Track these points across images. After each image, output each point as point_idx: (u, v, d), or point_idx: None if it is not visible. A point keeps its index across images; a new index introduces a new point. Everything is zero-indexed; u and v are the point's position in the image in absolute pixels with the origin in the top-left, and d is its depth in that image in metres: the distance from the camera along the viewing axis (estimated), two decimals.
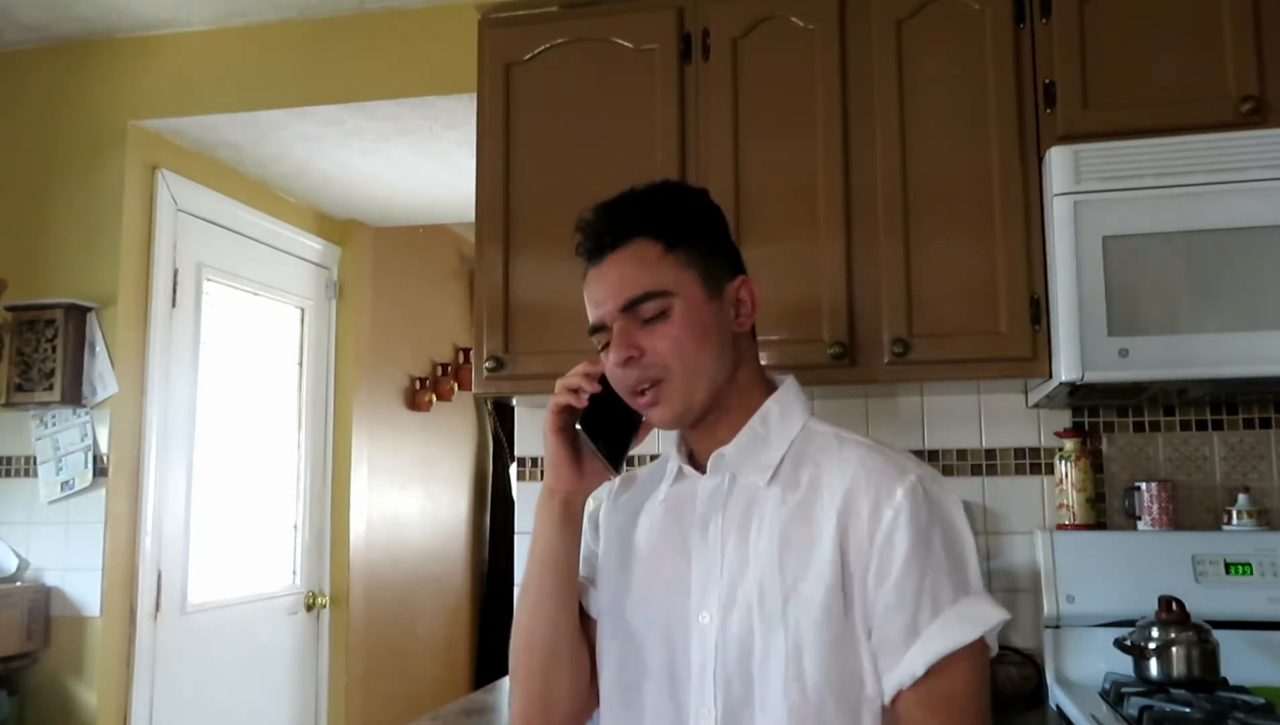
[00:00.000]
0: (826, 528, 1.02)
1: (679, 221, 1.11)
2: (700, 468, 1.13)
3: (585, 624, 1.18)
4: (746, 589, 1.04)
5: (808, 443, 1.10)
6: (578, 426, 1.12)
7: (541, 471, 2.35)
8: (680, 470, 1.16)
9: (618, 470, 1.15)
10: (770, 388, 1.15)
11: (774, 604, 1.02)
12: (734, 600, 1.04)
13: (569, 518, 1.16)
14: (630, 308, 1.07)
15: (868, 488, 1.02)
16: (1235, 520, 1.96)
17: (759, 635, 1.02)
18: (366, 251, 3.68)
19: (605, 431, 1.13)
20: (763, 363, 1.20)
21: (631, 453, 1.19)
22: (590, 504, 1.21)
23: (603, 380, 1.12)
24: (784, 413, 1.12)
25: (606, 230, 1.10)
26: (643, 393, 1.08)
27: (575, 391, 1.13)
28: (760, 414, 1.11)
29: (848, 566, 1.01)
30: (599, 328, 1.11)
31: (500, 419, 4.67)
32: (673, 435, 1.20)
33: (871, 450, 1.06)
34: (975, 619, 0.99)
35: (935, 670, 0.97)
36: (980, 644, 1.00)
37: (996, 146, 1.87)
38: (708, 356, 1.08)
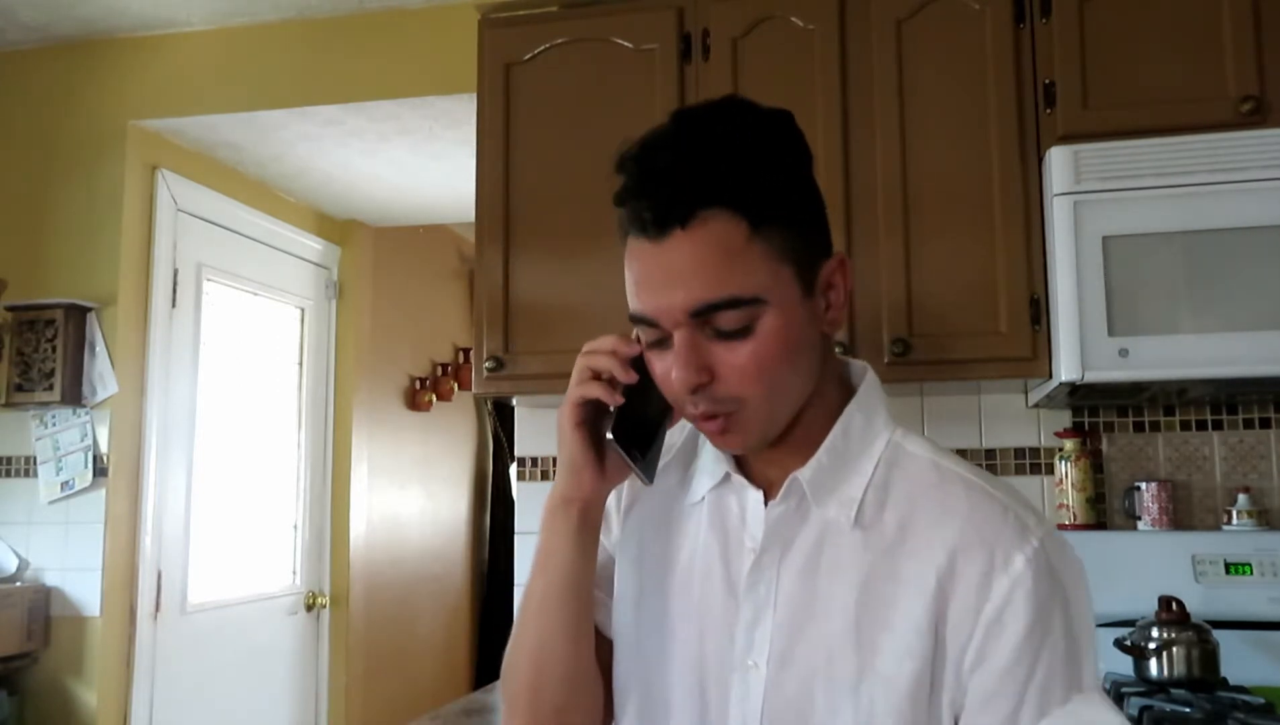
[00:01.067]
0: (920, 590, 0.81)
1: (772, 184, 0.80)
2: (751, 476, 0.90)
3: (599, 642, 0.96)
4: (810, 646, 0.83)
5: (896, 468, 0.87)
6: (609, 436, 0.87)
7: (542, 472, 2.35)
8: (728, 476, 0.91)
9: (652, 480, 0.91)
10: (846, 383, 0.91)
11: (846, 674, 0.81)
12: (792, 656, 0.83)
13: (588, 528, 0.91)
14: (704, 314, 0.79)
15: (980, 548, 0.80)
16: (1235, 520, 1.96)
17: (820, 703, 0.81)
18: (366, 251, 3.68)
19: (636, 434, 0.89)
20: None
21: None
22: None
23: (636, 365, 0.87)
24: (869, 423, 0.88)
25: (674, 195, 0.78)
26: (709, 418, 0.84)
27: (608, 383, 0.87)
28: (841, 425, 0.87)
29: (943, 642, 0.80)
30: (646, 321, 0.82)
31: (500, 419, 4.67)
32: None
33: (984, 495, 0.83)
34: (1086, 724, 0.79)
35: None
36: None
37: (996, 146, 1.87)
38: (798, 376, 0.84)
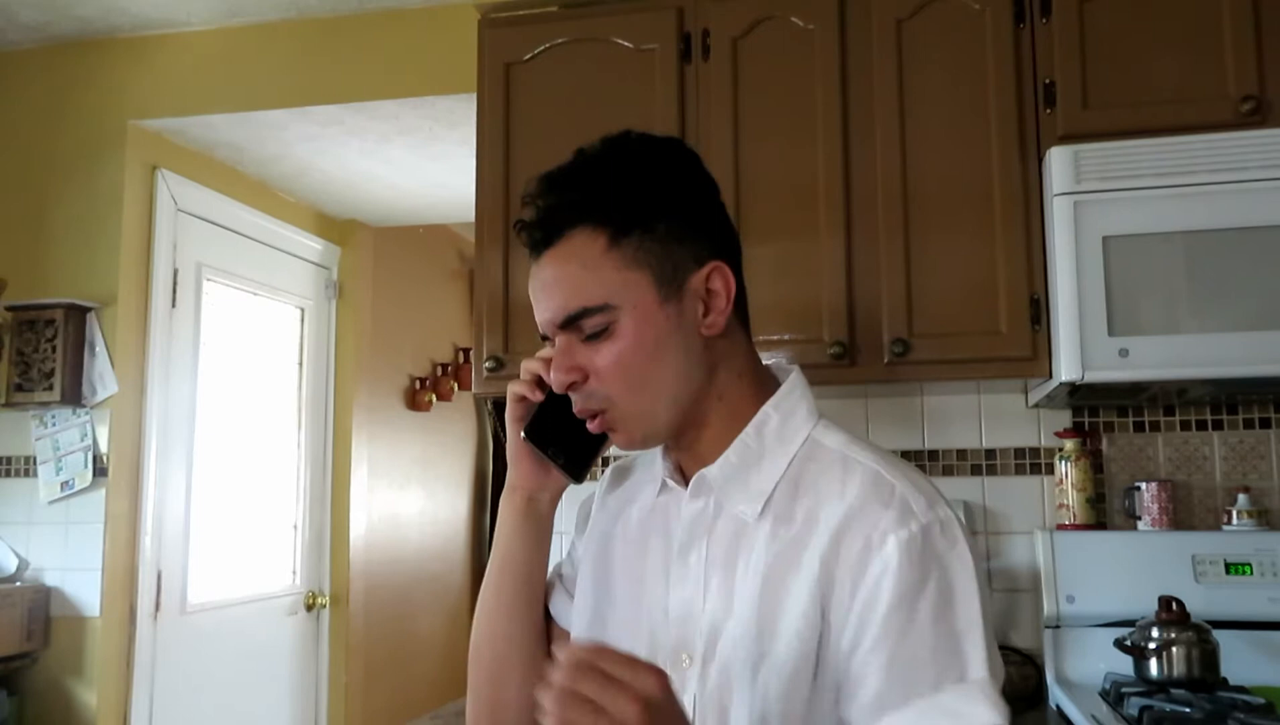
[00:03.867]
0: (809, 574, 0.83)
1: (630, 200, 0.89)
2: (686, 481, 0.94)
3: (551, 627, 1.03)
4: (726, 641, 0.86)
5: (810, 461, 0.90)
6: (521, 433, 0.96)
7: None
8: (665, 481, 0.97)
9: (578, 478, 0.98)
10: (768, 388, 0.94)
11: (747, 663, 0.84)
12: (714, 652, 0.87)
13: (531, 517, 0.99)
14: (568, 324, 0.89)
15: (860, 530, 0.83)
16: (1235, 520, 1.96)
17: (736, 696, 0.85)
18: (366, 251, 3.68)
19: (562, 435, 0.96)
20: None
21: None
22: (585, 497, 1.09)
23: None
24: (784, 421, 0.92)
25: (544, 220, 0.90)
26: (593, 417, 0.91)
27: (532, 383, 0.96)
28: (754, 424, 0.91)
29: (828, 624, 0.82)
30: (543, 333, 0.94)
31: (500, 419, 4.64)
32: None
33: (878, 480, 0.86)
34: (958, 716, 0.77)
35: None
36: None
37: (996, 146, 1.87)
38: (664, 375, 0.89)
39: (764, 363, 0.98)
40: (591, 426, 0.92)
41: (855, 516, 0.84)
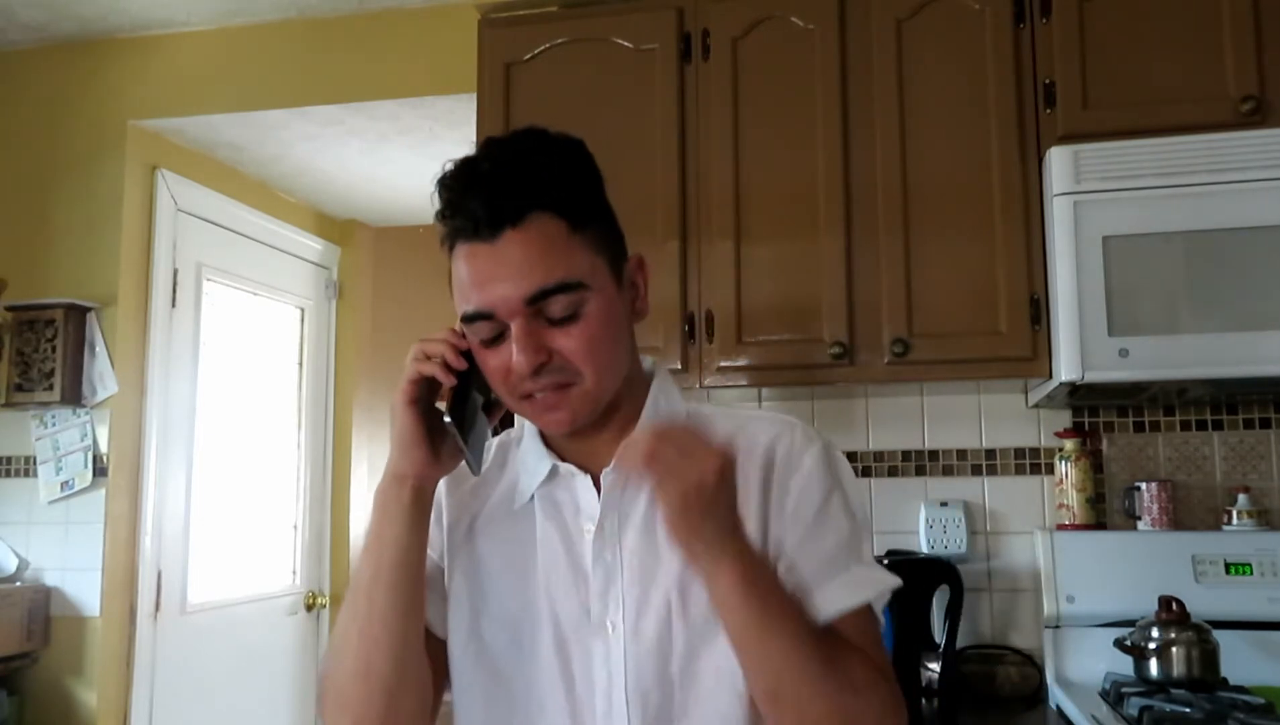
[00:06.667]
0: (752, 506, 0.94)
1: (581, 193, 0.93)
2: (580, 466, 0.98)
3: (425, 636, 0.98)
4: (661, 592, 0.93)
5: (703, 429, 0.96)
6: (446, 419, 0.91)
7: None
8: (555, 469, 0.98)
9: (479, 470, 0.96)
10: (646, 375, 1.03)
11: (700, 609, 0.91)
12: (647, 602, 0.93)
13: (419, 508, 0.94)
14: (539, 300, 0.88)
15: (782, 455, 0.96)
16: (1235, 520, 1.96)
17: (680, 639, 0.92)
18: (366, 251, 3.68)
19: (470, 422, 0.93)
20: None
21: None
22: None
23: (468, 357, 0.93)
24: (669, 401, 1.01)
25: (504, 199, 0.88)
26: (536, 397, 0.92)
27: (443, 366, 0.92)
28: (651, 404, 1.00)
29: (773, 536, 0.94)
30: (482, 316, 0.90)
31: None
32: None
33: (774, 419, 1.00)
34: (870, 582, 0.94)
35: (838, 623, 0.91)
36: (870, 608, 0.94)
37: (996, 146, 1.87)
38: (621, 356, 0.95)
39: None
40: (534, 405, 0.93)
41: (776, 446, 0.97)
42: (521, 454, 1.02)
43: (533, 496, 1.00)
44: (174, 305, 2.80)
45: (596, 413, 0.95)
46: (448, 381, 0.92)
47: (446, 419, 0.91)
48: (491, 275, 0.88)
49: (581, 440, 0.98)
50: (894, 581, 0.96)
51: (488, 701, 0.97)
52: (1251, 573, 1.88)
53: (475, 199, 0.89)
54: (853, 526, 0.96)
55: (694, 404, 1.04)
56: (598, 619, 0.94)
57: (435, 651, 0.99)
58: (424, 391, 0.93)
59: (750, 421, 1.00)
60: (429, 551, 0.99)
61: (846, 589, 0.92)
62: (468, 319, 0.91)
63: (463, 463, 0.95)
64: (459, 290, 0.92)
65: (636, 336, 1.01)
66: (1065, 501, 2.03)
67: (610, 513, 0.96)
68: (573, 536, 0.97)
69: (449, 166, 0.92)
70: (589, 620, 0.94)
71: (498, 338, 0.90)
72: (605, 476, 0.97)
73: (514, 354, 0.89)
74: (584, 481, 0.98)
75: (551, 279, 0.88)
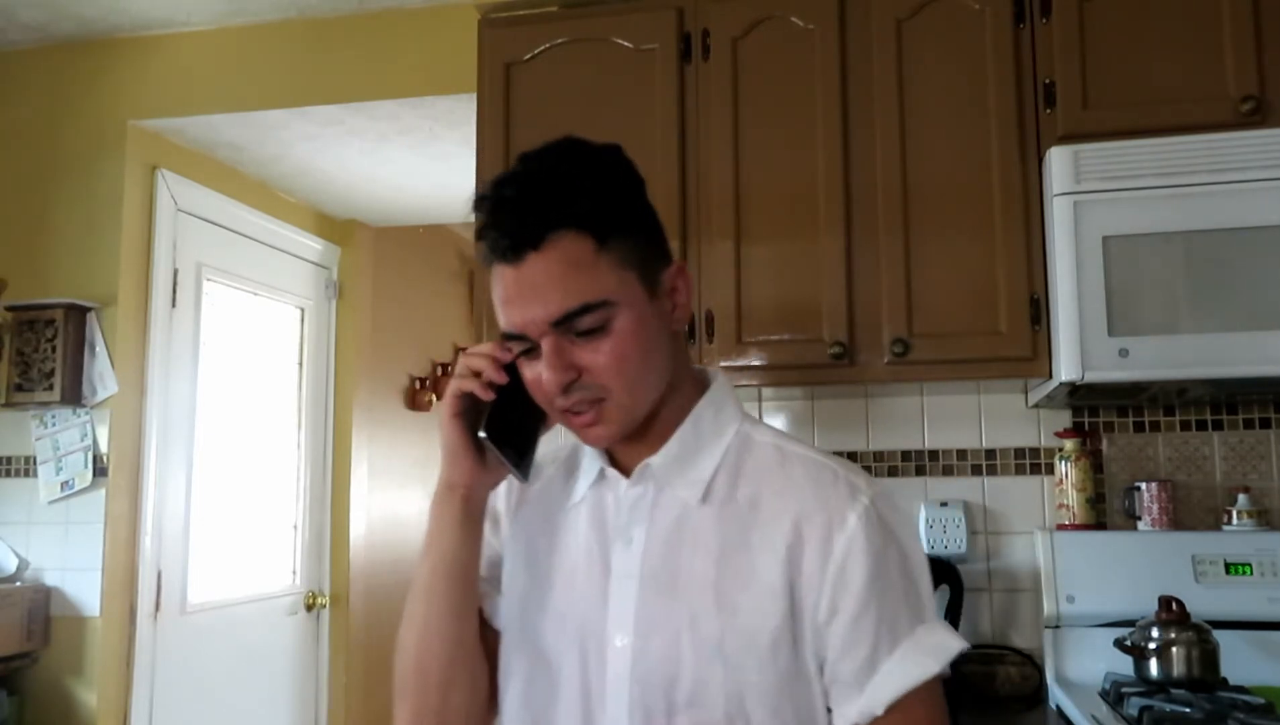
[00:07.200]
0: (772, 557, 0.92)
1: (611, 206, 0.93)
2: (624, 471, 1.00)
3: (484, 632, 1.03)
4: (673, 613, 0.93)
5: (745, 453, 0.99)
6: (481, 433, 0.95)
7: None
8: (602, 472, 1.02)
9: (526, 477, 1.01)
10: (702, 386, 1.02)
11: (710, 635, 0.91)
12: (657, 622, 0.93)
13: (470, 516, 1.00)
14: (564, 322, 0.90)
15: (819, 512, 0.92)
16: (1235, 520, 1.96)
17: (688, 663, 0.91)
18: (366, 251, 3.68)
19: (512, 434, 0.97)
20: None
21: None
22: (489, 496, 1.06)
23: (510, 369, 0.96)
24: (718, 416, 1.00)
25: (524, 223, 0.90)
26: (578, 413, 0.94)
27: (483, 382, 0.96)
28: (692, 418, 0.99)
29: (799, 601, 0.91)
30: (516, 335, 0.93)
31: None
32: None
33: (819, 467, 0.96)
34: (935, 649, 0.91)
35: (896, 708, 0.89)
36: (938, 677, 0.91)
37: (996, 146, 1.87)
38: (652, 369, 0.94)
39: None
40: (575, 422, 0.94)
41: (810, 501, 0.93)
42: (585, 454, 1.05)
43: (583, 497, 1.03)
44: (174, 305, 2.80)
45: (633, 425, 0.96)
46: (485, 396, 0.96)
47: (481, 434, 0.95)
48: (517, 297, 0.91)
49: (629, 445, 0.99)
50: (959, 645, 0.92)
51: (526, 688, 1.00)
52: (1251, 573, 1.88)
53: (499, 223, 0.91)
54: (910, 585, 0.92)
55: (749, 424, 1.01)
56: (612, 627, 0.95)
57: (495, 645, 1.03)
58: (469, 404, 0.98)
59: (796, 462, 0.97)
60: (496, 544, 1.07)
61: (909, 661, 0.90)
62: (505, 336, 0.95)
63: (514, 469, 0.99)
64: (496, 306, 0.94)
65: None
66: (1065, 501, 2.03)
67: (633, 524, 0.97)
68: (608, 540, 0.99)
69: (482, 186, 0.95)
70: (605, 625, 0.95)
71: (533, 350, 0.93)
72: (626, 492, 0.98)
73: (544, 372, 0.91)
74: (624, 485, 1.00)
75: (575, 302, 0.89)
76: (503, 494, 1.09)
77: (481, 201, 0.93)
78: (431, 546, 1.01)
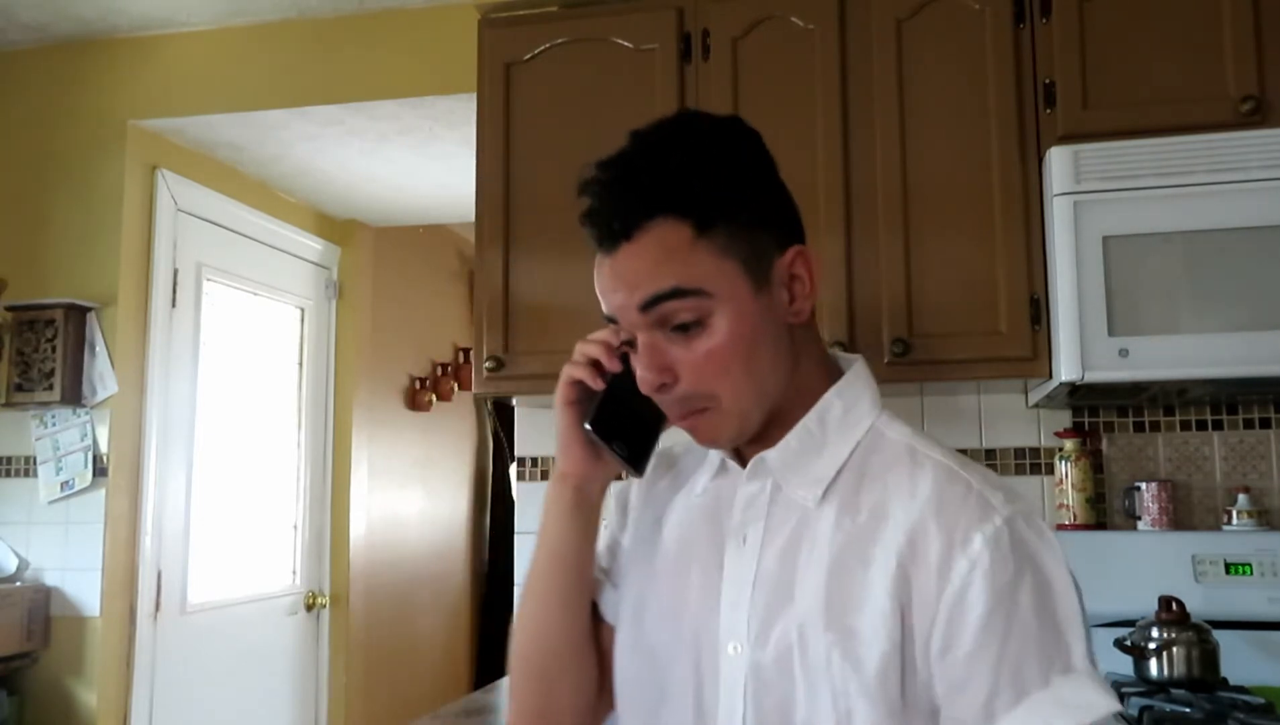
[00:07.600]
0: (885, 573, 0.80)
1: (713, 190, 0.83)
2: (744, 463, 0.91)
3: (599, 626, 0.98)
4: (786, 624, 0.83)
5: (875, 452, 0.88)
6: (586, 425, 0.90)
7: (542, 472, 2.35)
8: (724, 463, 0.93)
9: (640, 471, 0.93)
10: (834, 374, 0.92)
11: (817, 654, 0.80)
12: (770, 634, 0.83)
13: (582, 507, 0.94)
14: (652, 306, 0.83)
15: (939, 529, 0.79)
16: (1235, 520, 1.96)
17: (801, 684, 0.81)
18: (366, 251, 3.68)
19: (626, 426, 0.90)
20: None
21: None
22: (622, 484, 1.01)
23: (625, 358, 0.90)
24: (847, 409, 0.89)
25: (616, 213, 0.84)
26: (683, 417, 0.87)
27: (594, 366, 0.91)
28: (817, 410, 0.88)
29: (910, 627, 0.79)
30: (614, 321, 0.88)
31: (500, 419, 4.67)
32: None
33: (952, 476, 0.83)
34: (1076, 708, 0.74)
35: None
36: None
37: (996, 146, 1.87)
38: (761, 369, 0.85)
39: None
40: (682, 424, 0.88)
41: (931, 515, 0.81)
42: None
43: (705, 489, 0.95)
44: (174, 305, 2.80)
45: (749, 431, 0.87)
46: (595, 386, 0.91)
47: (586, 426, 0.90)
48: (611, 287, 0.86)
49: (753, 438, 0.90)
50: (1110, 707, 0.75)
51: (636, 688, 0.94)
52: (1251, 573, 1.88)
53: (593, 213, 0.86)
54: (1049, 625, 0.77)
55: (886, 419, 0.91)
56: (725, 635, 0.86)
57: (610, 641, 0.97)
58: (584, 392, 0.92)
59: (928, 467, 0.85)
60: (620, 538, 1.02)
61: (1036, 718, 0.75)
62: (606, 319, 0.89)
63: (624, 463, 0.93)
64: (598, 293, 0.89)
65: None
66: (1065, 501, 2.03)
67: (748, 524, 0.88)
68: (722, 538, 0.90)
69: (586, 171, 0.87)
70: (718, 635, 0.86)
71: (634, 344, 0.87)
72: (740, 489, 0.89)
73: (637, 369, 0.85)
74: (739, 479, 0.91)
75: (665, 284, 0.82)
76: (634, 489, 1.03)
77: (584, 186, 0.86)
78: (541, 536, 0.96)
